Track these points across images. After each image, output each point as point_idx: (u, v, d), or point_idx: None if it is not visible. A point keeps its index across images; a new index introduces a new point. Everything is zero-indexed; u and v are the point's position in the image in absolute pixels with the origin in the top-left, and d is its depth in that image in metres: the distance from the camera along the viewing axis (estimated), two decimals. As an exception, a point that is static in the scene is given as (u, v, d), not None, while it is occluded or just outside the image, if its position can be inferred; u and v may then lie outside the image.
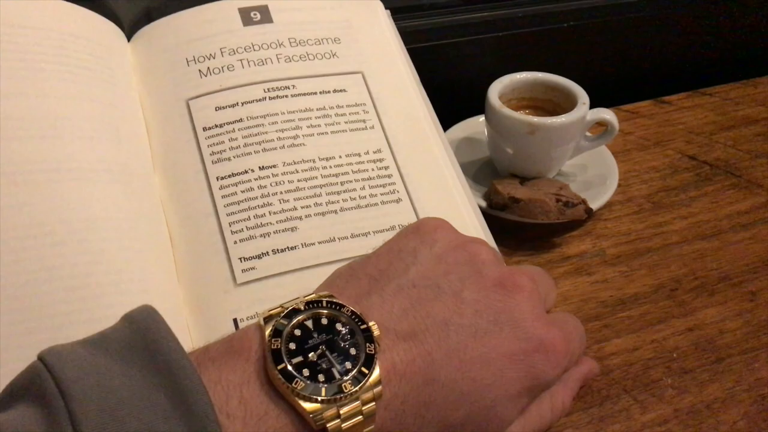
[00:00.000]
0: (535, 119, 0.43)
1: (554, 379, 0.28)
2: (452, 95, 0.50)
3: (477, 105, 0.48)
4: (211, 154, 0.37)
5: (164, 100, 0.39)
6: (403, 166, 0.39)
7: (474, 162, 0.50)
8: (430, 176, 0.40)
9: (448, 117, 0.48)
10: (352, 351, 0.24)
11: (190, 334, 0.32)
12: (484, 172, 0.49)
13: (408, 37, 0.46)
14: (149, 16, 0.44)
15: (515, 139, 0.44)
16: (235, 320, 0.32)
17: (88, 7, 0.40)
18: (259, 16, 0.43)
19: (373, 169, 0.39)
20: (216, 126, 0.38)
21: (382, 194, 0.38)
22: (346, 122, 0.40)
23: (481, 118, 0.50)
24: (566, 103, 0.46)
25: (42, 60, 0.36)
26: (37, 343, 0.23)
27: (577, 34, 0.57)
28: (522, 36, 0.55)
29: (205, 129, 0.38)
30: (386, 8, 0.46)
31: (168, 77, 0.40)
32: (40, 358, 0.21)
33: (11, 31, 0.35)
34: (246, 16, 0.43)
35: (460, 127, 0.52)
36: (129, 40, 0.42)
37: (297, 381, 0.23)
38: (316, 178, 0.37)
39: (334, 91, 0.41)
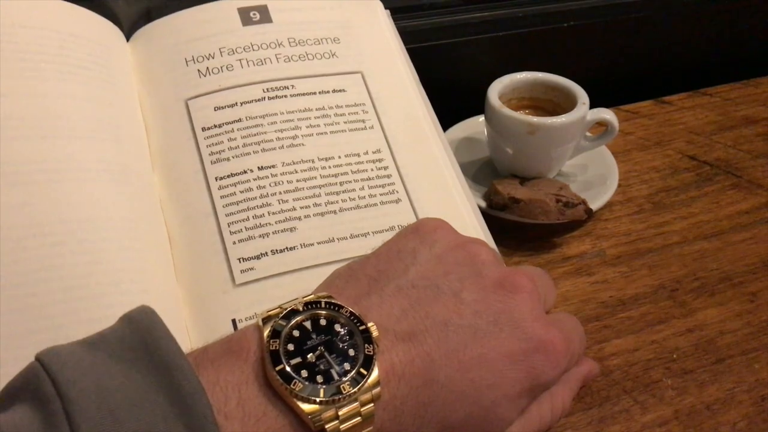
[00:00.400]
0: (535, 119, 0.43)
1: (554, 380, 0.28)
2: (452, 95, 0.50)
3: (477, 105, 0.48)
4: (210, 154, 0.37)
5: (163, 99, 0.39)
6: (403, 167, 0.39)
7: (474, 162, 0.49)
8: (429, 176, 0.40)
9: (447, 117, 0.48)
10: (351, 352, 0.24)
11: (188, 335, 0.32)
12: (483, 172, 0.49)
13: (407, 36, 0.46)
14: (148, 15, 0.44)
15: (515, 139, 0.44)
16: (233, 321, 0.32)
17: (87, 7, 0.40)
18: (258, 16, 0.43)
19: (372, 170, 0.39)
20: (215, 126, 0.38)
21: (381, 194, 0.38)
22: (345, 122, 0.40)
23: (481, 118, 0.50)
24: (566, 103, 0.45)
25: (41, 60, 0.36)
26: (36, 343, 0.23)
27: (577, 34, 0.57)
28: (522, 36, 0.55)
29: (204, 129, 0.38)
30: (386, 8, 0.46)
31: (167, 77, 0.40)
32: (38, 358, 0.21)
33: (11, 31, 0.35)
34: (245, 16, 0.43)
35: (459, 127, 0.52)
36: (128, 39, 0.42)
37: (295, 382, 0.23)
38: (315, 178, 0.37)
39: (334, 91, 0.41)
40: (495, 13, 0.56)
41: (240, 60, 0.41)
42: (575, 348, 0.30)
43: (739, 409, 0.33)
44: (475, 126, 0.51)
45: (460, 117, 0.52)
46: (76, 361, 0.21)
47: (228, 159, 0.37)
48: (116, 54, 0.40)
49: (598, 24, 0.57)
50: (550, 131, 0.43)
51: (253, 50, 0.41)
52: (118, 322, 0.23)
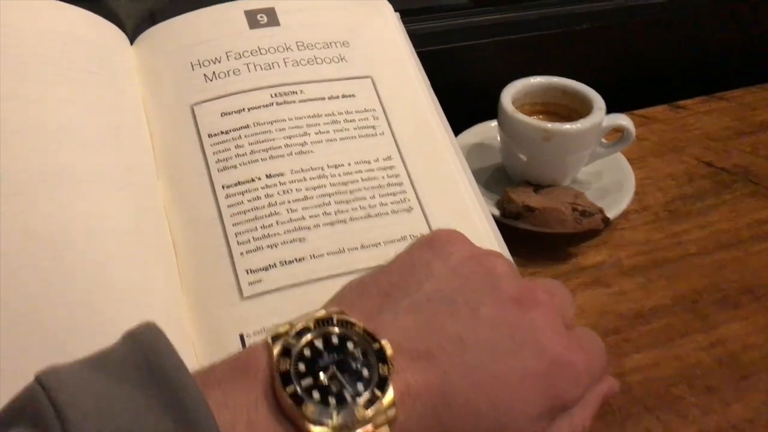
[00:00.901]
0: (550, 125, 0.42)
1: (576, 400, 0.27)
2: (462, 99, 0.49)
3: (488, 109, 0.47)
4: (216, 162, 0.36)
5: (168, 105, 0.38)
6: (414, 174, 0.38)
7: (486, 168, 0.48)
8: (441, 184, 0.39)
9: (458, 121, 0.47)
10: (365, 372, 0.23)
11: (194, 349, 0.31)
12: (496, 178, 0.47)
13: (417, 40, 0.45)
14: (153, 18, 0.43)
15: (529, 145, 0.43)
16: (241, 336, 0.31)
17: (89, 9, 0.39)
18: (265, 19, 0.42)
19: (383, 177, 0.38)
20: (222, 132, 0.37)
21: (392, 203, 0.37)
22: (355, 128, 0.39)
23: (493, 123, 0.49)
24: (581, 108, 0.44)
25: (42, 63, 0.35)
26: (36, 360, 0.22)
27: (590, 37, 0.56)
28: (534, 39, 0.54)
29: (210, 135, 0.37)
30: (395, 11, 0.45)
31: (172, 81, 0.39)
32: (38, 379, 0.20)
33: (10, 34, 0.34)
34: (252, 18, 0.42)
35: (471, 132, 0.50)
36: (132, 42, 0.41)
37: (307, 404, 0.22)
38: (325, 186, 0.36)
39: (343, 96, 0.40)
40: (506, 16, 0.55)
41: (247, 64, 0.40)
42: (596, 365, 0.29)
43: (767, 428, 0.32)
44: (486, 131, 0.50)
45: (471, 121, 0.51)
46: (77, 383, 0.20)
47: (235, 166, 0.36)
48: (119, 57, 0.39)
49: (611, 27, 0.56)
50: (566, 138, 0.42)
51: (261, 54, 0.40)
52: (121, 340, 0.22)
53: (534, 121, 0.42)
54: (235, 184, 0.35)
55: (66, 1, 0.38)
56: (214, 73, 0.39)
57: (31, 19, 0.36)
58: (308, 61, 0.41)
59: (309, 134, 0.38)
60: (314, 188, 0.36)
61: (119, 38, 0.40)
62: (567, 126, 0.42)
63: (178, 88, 0.39)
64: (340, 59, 0.41)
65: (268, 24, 0.42)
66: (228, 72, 0.39)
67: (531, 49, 0.55)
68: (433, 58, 0.45)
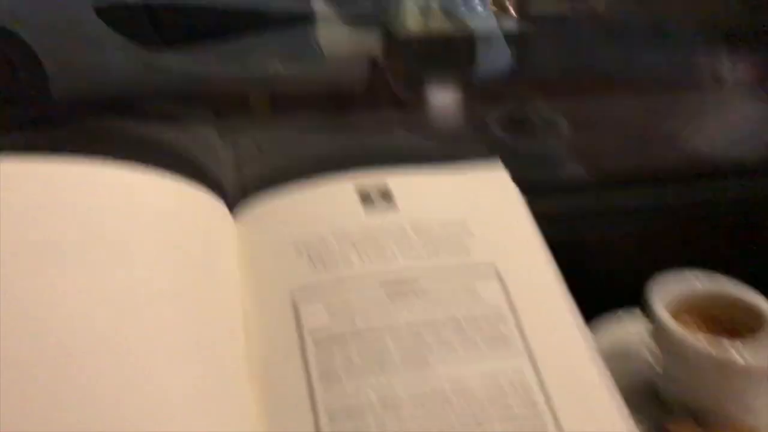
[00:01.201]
0: (725, 356, 0.33)
1: None
2: (589, 288, 0.43)
3: (615, 298, 0.40)
4: (317, 364, 0.30)
5: (267, 294, 0.33)
6: (552, 395, 0.31)
7: (626, 381, 0.40)
8: (586, 410, 0.31)
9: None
10: None
11: None
12: (641, 393, 0.39)
13: (541, 221, 0.39)
14: (257, 189, 0.40)
15: (692, 368, 0.35)
16: None
17: (187, 176, 0.36)
18: (379, 198, 0.38)
19: (514, 398, 0.30)
20: (325, 330, 0.32)
21: (527, 434, 0.29)
22: (478, 332, 0.33)
23: (624, 316, 0.42)
24: (749, 319, 0.36)
25: (136, 246, 0.31)
26: None
27: (733, 224, 0.49)
28: (673, 224, 0.48)
29: (312, 334, 0.31)
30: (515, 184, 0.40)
31: (274, 265, 0.35)
32: None
33: (96, 216, 0.31)
34: (366, 197, 0.38)
35: (600, 330, 0.43)
36: (233, 215, 0.37)
37: None
38: (447, 413, 0.29)
39: (465, 291, 0.34)
40: (640, 196, 0.49)
41: (358, 251, 0.35)
42: None
43: None
44: (619, 329, 0.43)
45: (593, 311, 0.44)
46: None
47: (340, 380, 0.30)
48: (220, 235, 0.35)
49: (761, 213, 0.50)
50: (743, 372, 0.33)
51: (374, 239, 0.35)
52: None
53: (701, 346, 0.34)
54: (342, 408, 0.29)
55: (165, 171, 0.35)
56: (321, 259, 0.34)
57: (119, 191, 0.33)
58: (426, 250, 0.35)
59: (424, 337, 0.32)
60: (434, 417, 0.29)
61: (222, 213, 0.37)
62: (745, 361, 0.33)
63: (279, 274, 0.34)
64: (462, 247, 0.36)
65: (383, 204, 0.37)
66: (337, 259, 0.34)
67: (667, 236, 0.48)
68: (558, 244, 0.39)
